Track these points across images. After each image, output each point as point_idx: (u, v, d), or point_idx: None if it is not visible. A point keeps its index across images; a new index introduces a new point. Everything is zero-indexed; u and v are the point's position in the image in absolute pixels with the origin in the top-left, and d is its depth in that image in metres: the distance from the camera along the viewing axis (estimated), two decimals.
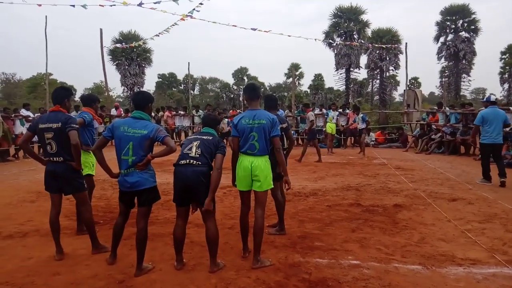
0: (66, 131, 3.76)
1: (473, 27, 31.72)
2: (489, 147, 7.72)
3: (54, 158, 3.84)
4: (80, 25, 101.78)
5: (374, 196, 6.68)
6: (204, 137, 3.65)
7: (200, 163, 3.47)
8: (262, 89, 65.99)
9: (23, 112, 13.21)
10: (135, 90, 33.84)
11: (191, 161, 3.48)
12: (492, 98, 8.17)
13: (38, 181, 5.95)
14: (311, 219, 5.25)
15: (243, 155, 3.76)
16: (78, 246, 4.21)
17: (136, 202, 3.59)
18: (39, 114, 13.71)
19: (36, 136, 4.03)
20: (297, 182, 8.06)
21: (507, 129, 11.23)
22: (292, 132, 16.31)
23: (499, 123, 7.64)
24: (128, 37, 31.49)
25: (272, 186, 3.87)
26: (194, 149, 3.53)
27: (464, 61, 32.27)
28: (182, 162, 3.51)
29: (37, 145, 11.39)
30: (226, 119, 15.85)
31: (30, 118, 12.74)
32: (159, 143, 3.48)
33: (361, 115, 12.89)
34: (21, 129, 12.34)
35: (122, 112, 17.78)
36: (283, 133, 4.42)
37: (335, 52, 31.70)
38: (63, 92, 4.11)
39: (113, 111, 17.65)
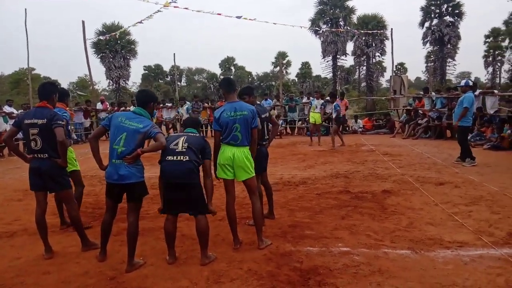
0: (52, 128, 3.69)
1: (457, 11, 31.94)
2: (469, 130, 8.30)
3: (39, 155, 3.77)
4: (62, 17, 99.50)
5: (363, 182, 6.75)
6: (190, 134, 3.68)
7: (187, 157, 3.45)
8: (250, 79, 65.95)
9: (6, 108, 12.92)
10: (120, 83, 33.41)
11: (178, 156, 3.45)
12: (469, 82, 8.44)
13: (25, 179, 5.84)
14: (301, 208, 5.29)
15: (225, 145, 3.89)
16: (67, 244, 4.17)
17: (125, 197, 3.57)
18: (22, 110, 13.42)
19: (20, 133, 3.95)
20: (286, 171, 8.09)
21: (492, 111, 11.44)
22: (281, 121, 16.50)
23: (473, 107, 8.26)
24: (111, 29, 30.83)
25: (254, 174, 3.97)
26: (180, 144, 3.51)
27: (449, 46, 32.57)
28: (169, 158, 3.48)
29: (21, 142, 11.18)
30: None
31: (14, 115, 12.46)
32: (151, 139, 3.52)
33: (335, 103, 12.36)
34: (4, 126, 12.06)
35: (108, 106, 17.53)
36: (264, 123, 4.46)
37: (322, 40, 31.67)
38: (50, 88, 4.04)
39: (99, 105, 17.37)
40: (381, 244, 3.88)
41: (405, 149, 10.90)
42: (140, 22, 14.77)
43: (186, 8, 13.46)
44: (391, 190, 6.05)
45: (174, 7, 11.67)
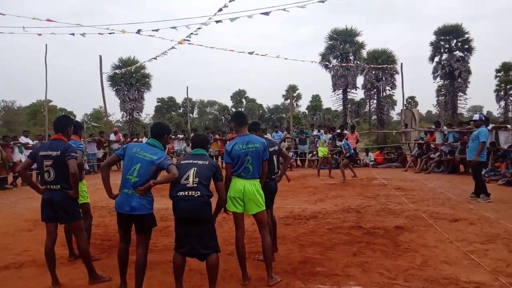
0: (65, 160, 3.76)
1: (467, 46, 32.27)
2: (483, 164, 8.22)
3: (51, 186, 3.83)
4: (80, 51, 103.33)
5: (375, 218, 6.62)
6: (200, 162, 3.61)
7: (199, 193, 3.45)
8: (261, 111, 66.72)
9: (22, 139, 13.23)
10: (134, 115, 34.09)
11: (190, 192, 3.45)
12: (482, 117, 8.44)
13: (36, 209, 5.91)
14: (312, 243, 5.18)
15: (236, 178, 3.89)
16: (75, 276, 4.13)
17: (134, 228, 3.57)
18: (37, 141, 13.71)
19: (35, 164, 4.04)
20: (297, 204, 8.01)
21: (505, 146, 11.29)
22: (291, 153, 16.50)
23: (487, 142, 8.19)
24: (127, 63, 31.91)
25: (264, 208, 3.94)
26: (191, 179, 3.49)
27: (459, 80, 32.66)
28: (181, 194, 3.47)
29: (35, 172, 11.36)
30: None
31: (29, 145, 12.74)
32: (164, 170, 3.56)
33: (344, 141, 12.58)
34: (19, 156, 12.31)
35: (121, 137, 17.81)
36: (273, 156, 4.48)
37: (332, 74, 32.13)
38: (65, 121, 4.18)
39: (112, 136, 17.68)
40: (394, 283, 3.75)
41: (418, 183, 10.74)
42: (155, 58, 15.27)
43: (200, 45, 13.89)
44: (404, 226, 5.92)
45: (189, 43, 12.04)
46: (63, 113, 51.65)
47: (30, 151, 12.77)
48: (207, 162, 3.63)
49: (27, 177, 4.16)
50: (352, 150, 11.99)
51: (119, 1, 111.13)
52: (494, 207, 7.19)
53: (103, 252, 5.01)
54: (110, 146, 17.25)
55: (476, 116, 8.45)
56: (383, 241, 5.20)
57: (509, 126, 11.87)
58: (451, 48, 32.72)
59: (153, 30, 11.14)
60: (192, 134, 18.38)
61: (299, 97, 56.53)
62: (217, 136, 17.67)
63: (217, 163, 3.80)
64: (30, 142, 13.43)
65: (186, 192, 3.45)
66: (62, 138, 3.95)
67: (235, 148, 3.87)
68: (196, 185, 3.46)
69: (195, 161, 3.62)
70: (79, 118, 57.51)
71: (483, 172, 9.26)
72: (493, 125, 11.91)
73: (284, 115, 60.96)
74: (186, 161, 3.67)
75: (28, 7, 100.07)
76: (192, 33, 11.25)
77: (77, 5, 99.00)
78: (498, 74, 39.19)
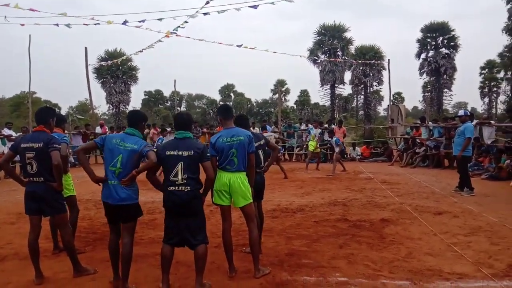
0: (48, 151, 3.69)
1: (452, 43, 32.70)
2: (469, 159, 8.44)
3: (35, 178, 3.75)
4: (65, 42, 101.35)
5: (361, 211, 6.69)
6: (185, 154, 3.46)
7: (189, 188, 3.44)
8: (249, 105, 66.62)
9: (5, 131, 12.94)
10: (120, 108, 33.65)
11: (180, 187, 3.44)
12: (467, 112, 8.58)
13: (19, 202, 5.79)
14: (299, 236, 5.21)
15: (221, 171, 3.86)
16: (58, 269, 4.07)
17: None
18: (21, 133, 13.44)
19: (18, 156, 3.95)
20: (284, 198, 8.04)
21: (489, 141, 11.51)
22: (280, 147, 16.54)
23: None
24: (113, 55, 31.39)
25: (251, 200, 3.92)
26: (180, 175, 3.44)
27: (445, 76, 33.12)
28: (171, 188, 3.45)
29: (18, 165, 11.13)
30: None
31: (13, 137, 12.46)
32: (144, 158, 3.53)
33: (334, 138, 12.73)
34: (2, 148, 12.04)
35: (107, 130, 17.57)
36: (259, 151, 4.44)
37: (320, 69, 32.22)
38: (47, 112, 4.10)
39: (98, 129, 17.42)
40: (379, 275, 3.80)
41: (403, 177, 10.88)
42: (141, 51, 15.06)
43: (188, 37, 13.73)
44: (390, 219, 5.99)
45: (176, 35, 11.88)
46: (47, 105, 50.69)
47: (13, 143, 12.63)
48: (192, 152, 3.47)
49: (9, 170, 4.06)
50: (344, 146, 12.17)
51: None
52: (477, 201, 7.33)
53: (88, 245, 4.95)
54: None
55: (461, 112, 8.60)
56: (368, 233, 5.26)
57: (492, 122, 12.10)
58: (438, 45, 33.11)
59: (139, 21, 10.96)
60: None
61: (287, 91, 56.65)
62: (204, 130, 17.60)
63: (202, 144, 3.69)
64: (14, 134, 13.16)
65: (176, 187, 3.44)
66: (45, 130, 3.87)
67: (219, 140, 3.83)
68: (185, 181, 3.44)
69: (180, 153, 3.47)
70: (64, 110, 56.63)
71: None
72: (477, 120, 12.11)
73: (272, 109, 61.02)
74: (171, 153, 3.48)
75: None
76: (179, 26, 11.12)
77: None
78: (482, 72, 39.95)
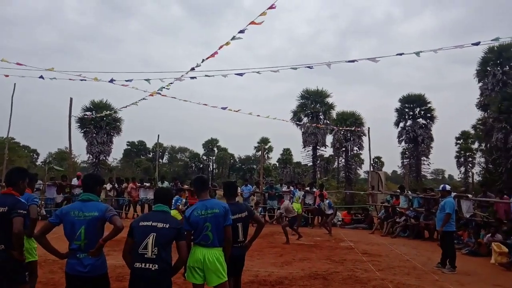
0: (11, 217, 3.46)
1: (429, 115, 34.16)
2: (453, 234, 8.32)
3: None
4: (49, 90, 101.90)
5: (342, 286, 6.45)
6: (160, 225, 3.31)
7: (157, 266, 3.21)
8: (232, 160, 66.76)
9: None
10: (101, 158, 33.08)
11: (148, 265, 3.22)
12: (447, 187, 8.63)
13: None
14: None
15: (196, 246, 3.67)
16: None
17: None
18: None
19: None
20: (262, 267, 7.73)
21: (467, 215, 11.61)
22: (260, 209, 16.30)
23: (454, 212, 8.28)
24: (99, 106, 31.47)
25: (226, 278, 3.71)
26: (150, 248, 3.24)
27: (423, 145, 34.20)
28: (137, 265, 3.24)
29: None
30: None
31: None
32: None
33: (327, 201, 12.95)
34: None
35: None
36: (238, 224, 4.19)
37: (303, 131, 32.92)
38: (18, 173, 3.92)
39: (75, 181, 16.88)
40: None
41: (384, 248, 10.72)
42: (125, 107, 15.31)
43: (174, 97, 13.98)
44: None
45: (162, 95, 12.10)
46: (26, 151, 49.52)
47: None
48: (167, 225, 3.33)
49: None
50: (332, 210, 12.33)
51: (93, 39, 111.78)
52: (458, 279, 7.19)
53: None
54: (72, 191, 16.42)
55: (440, 187, 8.74)
56: None
57: (470, 195, 12.30)
58: (415, 115, 34.54)
59: (126, 80, 11.17)
60: (158, 182, 17.90)
61: (270, 149, 57.42)
62: (186, 186, 17.28)
63: (180, 222, 3.56)
64: None
65: (143, 265, 3.22)
66: (12, 193, 3.68)
67: (193, 214, 3.70)
68: (154, 256, 3.23)
69: (154, 224, 3.32)
70: (42, 156, 55.44)
71: None
72: (455, 193, 12.31)
73: (255, 166, 61.25)
74: (145, 223, 3.35)
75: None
76: (163, 87, 11.38)
77: (50, 41, 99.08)
78: (458, 142, 41.52)
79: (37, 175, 5.55)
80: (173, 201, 14.32)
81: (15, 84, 14.04)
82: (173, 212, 13.18)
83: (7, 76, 11.20)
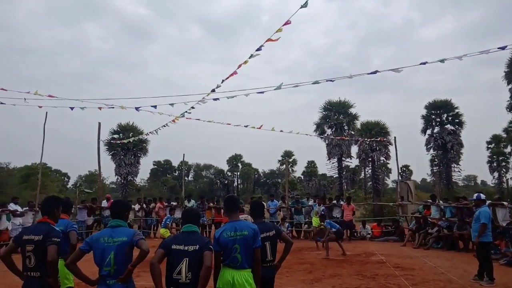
0: (46, 245, 3.59)
1: (457, 120, 33.19)
2: (490, 245, 7.97)
3: (31, 273, 3.63)
4: (79, 115, 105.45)
5: None
6: (191, 248, 3.36)
7: None
8: (256, 175, 66.64)
9: (11, 206, 12.91)
10: (128, 179, 33.83)
11: None
12: (482, 196, 8.26)
13: (17, 285, 5.54)
14: None
15: (225, 268, 3.68)
16: None
17: None
18: (27, 208, 13.39)
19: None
20: (292, 285, 7.64)
21: (504, 223, 11.11)
22: (287, 224, 16.12)
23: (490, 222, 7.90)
24: (126, 129, 32.44)
25: None
26: (184, 273, 3.29)
27: (452, 151, 33.14)
28: None
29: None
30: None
31: (18, 212, 12.41)
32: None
33: (327, 221, 12.22)
34: (6, 224, 11.93)
35: None
36: (266, 243, 4.13)
37: (327, 143, 32.62)
38: (51, 202, 4.05)
39: (104, 203, 17.31)
40: None
41: (417, 261, 10.36)
42: (151, 133, 15.87)
43: (198, 119, 14.33)
44: None
45: (187, 118, 12.43)
46: (57, 174, 51.24)
47: (18, 218, 12.49)
48: (197, 247, 3.38)
49: (9, 262, 3.81)
50: (338, 226, 11.85)
51: (120, 66, 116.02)
52: None
53: None
54: (102, 213, 16.84)
55: (474, 196, 8.40)
56: None
57: (505, 203, 11.77)
58: (442, 121, 33.63)
59: (152, 106, 11.57)
60: (185, 201, 18.02)
61: (294, 162, 56.97)
62: (211, 204, 17.38)
63: (208, 238, 3.61)
64: (19, 209, 13.10)
65: None
66: (47, 221, 3.82)
67: (223, 235, 3.71)
68: (189, 281, 3.27)
69: (186, 248, 3.37)
70: (73, 179, 57.13)
71: None
72: (490, 201, 11.82)
73: (279, 180, 60.95)
74: (178, 247, 3.39)
75: (29, 70, 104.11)
76: (186, 111, 11.68)
77: (78, 69, 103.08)
78: (489, 146, 40.00)
79: (69, 199, 5.73)
80: (163, 219, 14.57)
81: (46, 113, 14.62)
82: (162, 231, 13.39)
83: (40, 107, 11.79)
